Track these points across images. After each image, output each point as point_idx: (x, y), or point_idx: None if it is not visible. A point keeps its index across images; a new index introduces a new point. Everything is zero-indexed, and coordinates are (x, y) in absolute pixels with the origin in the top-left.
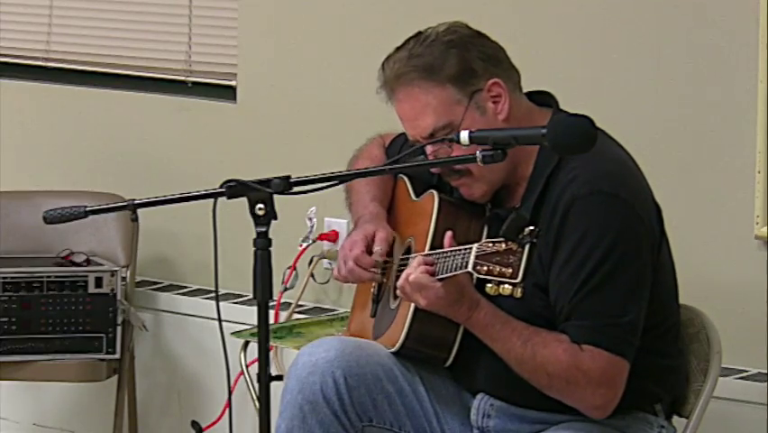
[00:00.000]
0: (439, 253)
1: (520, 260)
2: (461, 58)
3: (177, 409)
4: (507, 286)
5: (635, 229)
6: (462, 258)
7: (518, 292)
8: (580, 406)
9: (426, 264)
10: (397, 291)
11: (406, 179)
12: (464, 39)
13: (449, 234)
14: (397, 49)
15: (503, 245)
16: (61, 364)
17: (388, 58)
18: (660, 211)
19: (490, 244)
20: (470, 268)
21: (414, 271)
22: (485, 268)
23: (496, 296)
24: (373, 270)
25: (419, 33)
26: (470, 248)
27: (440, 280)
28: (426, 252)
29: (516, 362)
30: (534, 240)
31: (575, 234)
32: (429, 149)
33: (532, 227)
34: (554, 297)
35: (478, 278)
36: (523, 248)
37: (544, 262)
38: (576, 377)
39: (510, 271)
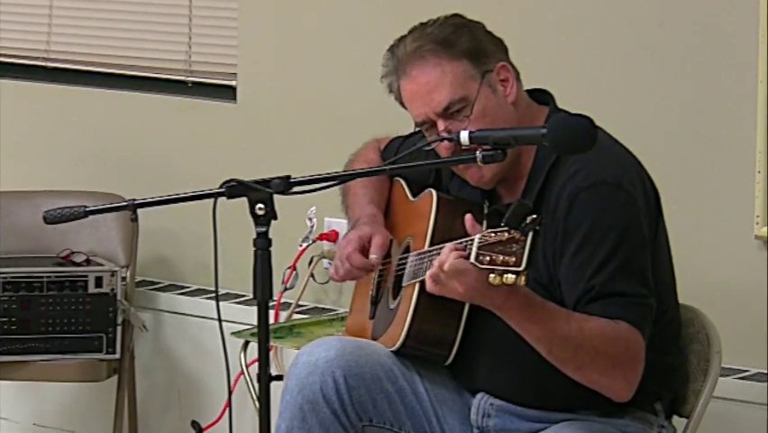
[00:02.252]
0: (439, 249)
1: (523, 248)
2: (473, 36)
3: (177, 409)
4: (510, 276)
5: (638, 218)
6: (465, 250)
7: (522, 281)
8: (614, 385)
9: (458, 250)
10: (427, 281)
11: (402, 181)
12: (471, 23)
13: (468, 216)
14: (403, 36)
15: (505, 234)
16: (61, 364)
17: (395, 43)
18: (658, 197)
19: (493, 234)
20: (472, 259)
21: (447, 257)
22: (488, 258)
23: (499, 286)
24: (363, 270)
25: (422, 23)
26: (473, 239)
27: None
28: (426, 249)
29: (561, 340)
30: (537, 228)
31: (584, 223)
32: (441, 125)
33: (534, 216)
34: (567, 288)
35: (481, 269)
36: (526, 236)
37: (548, 256)
38: (621, 352)
39: (514, 259)
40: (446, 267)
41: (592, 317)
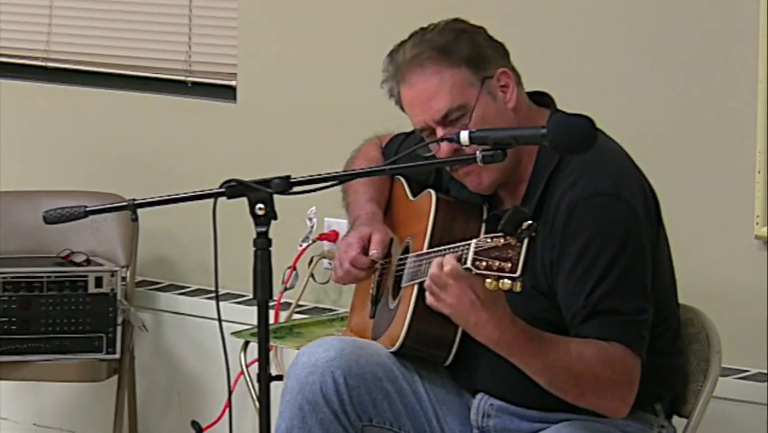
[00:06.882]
0: (438, 251)
1: (519, 254)
2: (473, 42)
3: (177, 410)
4: (506, 281)
5: (638, 228)
6: (461, 255)
7: (518, 287)
8: (611, 406)
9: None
10: (426, 287)
11: (402, 179)
12: (472, 28)
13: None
14: (403, 42)
15: (501, 240)
16: (61, 364)
17: (395, 49)
18: (658, 204)
19: (489, 240)
20: (468, 264)
21: (448, 260)
22: (484, 263)
23: (495, 303)
24: (369, 271)
25: (422, 28)
26: (469, 244)
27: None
28: (425, 250)
29: (562, 371)
30: (533, 234)
31: (581, 236)
32: (440, 132)
33: (530, 222)
34: (565, 301)
35: (477, 273)
36: (521, 242)
37: (545, 265)
38: (618, 375)
39: (510, 265)
40: (446, 269)
41: (589, 340)
